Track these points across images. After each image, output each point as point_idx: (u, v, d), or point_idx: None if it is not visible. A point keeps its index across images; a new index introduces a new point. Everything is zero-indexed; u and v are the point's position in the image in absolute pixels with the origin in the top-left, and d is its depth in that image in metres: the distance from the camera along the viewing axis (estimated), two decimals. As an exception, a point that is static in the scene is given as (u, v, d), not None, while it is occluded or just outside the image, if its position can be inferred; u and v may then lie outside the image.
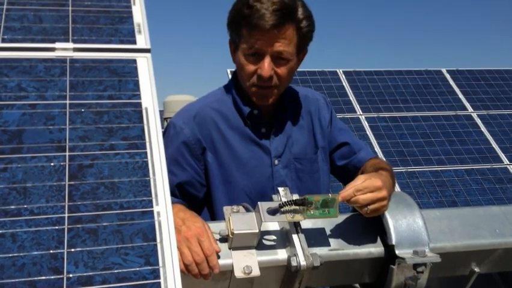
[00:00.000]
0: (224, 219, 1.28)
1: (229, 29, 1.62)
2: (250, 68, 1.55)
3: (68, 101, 1.03)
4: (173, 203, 1.40)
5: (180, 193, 1.60)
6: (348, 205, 1.33)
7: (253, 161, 1.63)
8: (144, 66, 1.13)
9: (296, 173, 1.69)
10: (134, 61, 1.14)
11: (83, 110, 1.02)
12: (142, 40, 1.17)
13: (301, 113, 1.75)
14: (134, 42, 1.16)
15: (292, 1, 1.52)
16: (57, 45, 1.11)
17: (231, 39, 1.64)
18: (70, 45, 1.12)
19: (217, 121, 1.64)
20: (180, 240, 1.19)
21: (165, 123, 7.19)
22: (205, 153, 1.61)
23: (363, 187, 1.30)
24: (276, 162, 1.66)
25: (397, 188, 5.30)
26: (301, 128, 1.73)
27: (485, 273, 1.52)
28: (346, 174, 1.79)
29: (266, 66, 1.52)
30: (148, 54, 1.16)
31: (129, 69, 1.12)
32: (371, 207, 1.30)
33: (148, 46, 1.16)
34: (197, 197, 1.64)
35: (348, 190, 1.30)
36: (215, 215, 1.63)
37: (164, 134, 1.66)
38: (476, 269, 1.47)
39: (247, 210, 1.31)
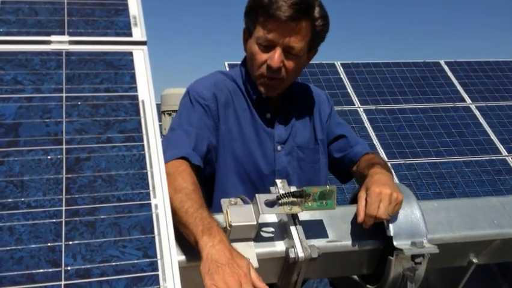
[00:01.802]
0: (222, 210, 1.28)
1: (246, 16, 1.64)
2: (261, 57, 1.57)
3: (64, 94, 1.02)
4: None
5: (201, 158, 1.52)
6: (346, 197, 1.34)
7: (257, 142, 1.65)
8: (140, 58, 1.13)
9: (298, 161, 1.71)
10: (131, 54, 1.13)
11: (79, 103, 1.02)
12: (138, 32, 1.17)
13: (306, 106, 1.78)
14: (130, 35, 1.16)
15: None
16: (52, 38, 1.11)
17: (246, 26, 1.65)
18: (66, 38, 1.12)
19: (233, 97, 1.67)
20: (221, 280, 1.06)
21: (163, 117, 7.18)
22: (220, 122, 1.63)
23: (372, 206, 1.31)
24: (279, 148, 1.68)
25: (396, 180, 5.30)
26: (304, 120, 1.76)
27: (483, 264, 1.53)
28: (342, 168, 1.81)
29: (276, 57, 1.53)
30: (144, 47, 1.15)
31: (125, 62, 1.11)
32: (392, 212, 1.32)
33: (144, 38, 1.16)
34: (212, 165, 1.60)
35: (361, 214, 1.32)
36: (221, 192, 1.59)
37: (183, 100, 1.66)
38: (474, 260, 1.47)
39: (245, 202, 1.31)
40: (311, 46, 1.63)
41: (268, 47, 1.55)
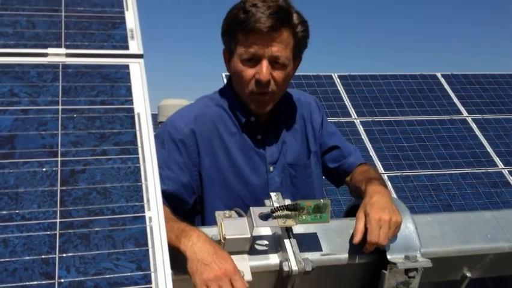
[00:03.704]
0: (216, 224, 1.29)
1: (224, 36, 1.61)
2: (248, 73, 1.54)
3: (60, 107, 1.03)
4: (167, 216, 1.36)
5: (170, 199, 1.53)
6: (343, 208, 1.34)
7: (249, 167, 1.63)
8: (137, 71, 1.14)
9: (290, 179, 1.70)
10: (127, 67, 1.14)
11: (75, 116, 1.03)
12: (135, 46, 1.18)
13: (295, 117, 1.76)
14: (127, 48, 1.17)
15: (288, 6, 1.54)
16: (49, 50, 1.11)
17: (226, 47, 1.63)
18: (63, 50, 1.12)
19: (218, 125, 1.63)
20: (211, 278, 1.14)
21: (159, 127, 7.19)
22: (200, 157, 1.59)
23: (373, 233, 1.31)
24: (271, 169, 1.66)
25: (392, 192, 5.30)
26: (295, 132, 1.74)
27: (477, 278, 1.53)
28: (337, 178, 1.80)
29: (264, 70, 1.51)
30: (141, 60, 1.16)
31: (121, 75, 1.12)
32: (391, 236, 1.33)
33: (141, 52, 1.17)
34: (187, 204, 1.59)
35: (358, 236, 1.33)
36: (208, 221, 1.60)
37: (159, 131, 1.63)
38: (468, 274, 1.48)
39: (239, 215, 1.31)
40: (295, 54, 1.61)
41: (253, 61, 1.53)
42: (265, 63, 1.52)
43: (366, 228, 1.32)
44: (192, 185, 1.59)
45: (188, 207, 1.60)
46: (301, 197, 1.67)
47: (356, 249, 1.36)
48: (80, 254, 0.86)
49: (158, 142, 1.57)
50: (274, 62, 1.53)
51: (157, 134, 1.61)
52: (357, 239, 1.32)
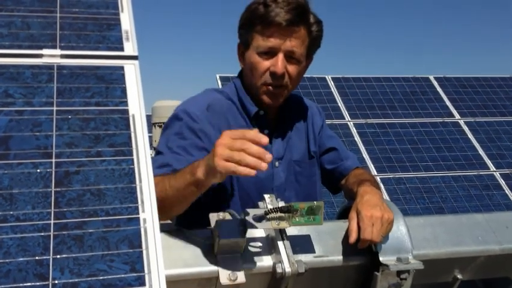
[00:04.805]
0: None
1: (241, 29, 1.65)
2: (264, 65, 1.57)
3: (55, 108, 1.03)
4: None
5: None
6: (333, 212, 1.35)
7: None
8: (131, 73, 1.14)
9: (295, 175, 1.72)
10: (122, 68, 1.14)
11: (70, 117, 1.03)
12: (130, 47, 1.18)
13: (300, 117, 1.79)
14: (122, 49, 1.17)
15: (306, 4, 1.58)
16: (44, 51, 1.11)
17: (242, 40, 1.66)
18: (58, 51, 1.12)
19: (228, 117, 1.65)
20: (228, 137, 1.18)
21: (153, 128, 7.18)
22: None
23: (366, 230, 1.31)
24: (277, 164, 1.68)
25: (384, 194, 5.33)
26: (300, 132, 1.77)
27: (468, 280, 1.54)
28: (332, 180, 1.82)
29: (280, 63, 1.55)
30: (136, 61, 1.16)
31: (116, 76, 1.12)
32: (384, 234, 1.33)
33: (136, 53, 1.17)
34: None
35: (353, 235, 1.32)
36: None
37: (172, 122, 1.61)
38: (459, 276, 1.49)
39: (233, 217, 1.32)
40: (309, 52, 1.65)
41: (269, 53, 1.56)
42: (281, 56, 1.55)
43: (359, 227, 1.33)
44: None
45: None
46: (305, 194, 1.70)
47: (348, 251, 1.36)
48: (74, 255, 0.86)
49: (175, 133, 1.56)
50: (289, 57, 1.57)
51: (171, 125, 1.60)
52: (353, 238, 1.32)
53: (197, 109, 1.60)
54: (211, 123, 1.59)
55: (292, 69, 1.58)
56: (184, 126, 1.57)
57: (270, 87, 1.59)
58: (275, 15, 1.51)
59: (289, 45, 1.55)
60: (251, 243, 1.31)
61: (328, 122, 6.28)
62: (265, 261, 1.28)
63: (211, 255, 1.25)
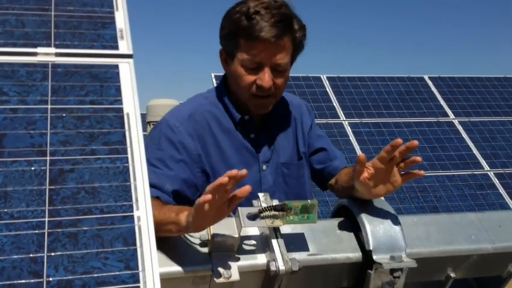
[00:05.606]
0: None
1: (224, 39, 1.61)
2: (250, 78, 1.55)
3: (49, 106, 1.03)
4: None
5: (174, 196, 1.50)
6: (327, 210, 1.35)
7: (242, 165, 1.62)
8: (126, 71, 1.14)
9: (283, 178, 1.71)
10: (117, 66, 1.14)
11: (64, 115, 1.03)
12: (125, 46, 1.18)
13: (287, 119, 1.78)
14: (117, 48, 1.17)
15: (290, 12, 1.55)
16: (39, 49, 1.11)
17: (225, 49, 1.62)
18: (52, 50, 1.12)
19: (211, 123, 1.63)
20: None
21: (148, 127, 7.17)
22: (199, 154, 1.59)
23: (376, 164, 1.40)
24: (264, 167, 1.67)
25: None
26: (287, 133, 1.76)
27: (461, 278, 1.55)
28: (320, 179, 1.82)
29: (267, 77, 1.53)
30: (130, 60, 1.16)
31: (111, 75, 1.12)
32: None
33: (130, 52, 1.17)
34: (189, 200, 1.54)
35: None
36: None
37: (153, 132, 1.62)
38: (452, 274, 1.49)
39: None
40: (293, 58, 1.63)
41: (255, 68, 1.54)
42: (267, 71, 1.53)
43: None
44: (194, 182, 1.56)
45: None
46: (294, 196, 1.69)
47: (342, 249, 1.37)
48: (68, 253, 0.86)
49: (154, 143, 1.56)
50: (275, 70, 1.55)
51: (151, 135, 1.61)
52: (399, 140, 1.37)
53: (177, 120, 1.60)
54: (191, 133, 1.58)
55: (278, 80, 1.57)
56: (163, 137, 1.57)
57: (257, 98, 1.58)
58: (260, 30, 1.47)
59: (276, 60, 1.53)
60: (245, 242, 1.31)
61: (323, 121, 6.26)
62: (259, 259, 1.29)
63: (205, 253, 1.25)
